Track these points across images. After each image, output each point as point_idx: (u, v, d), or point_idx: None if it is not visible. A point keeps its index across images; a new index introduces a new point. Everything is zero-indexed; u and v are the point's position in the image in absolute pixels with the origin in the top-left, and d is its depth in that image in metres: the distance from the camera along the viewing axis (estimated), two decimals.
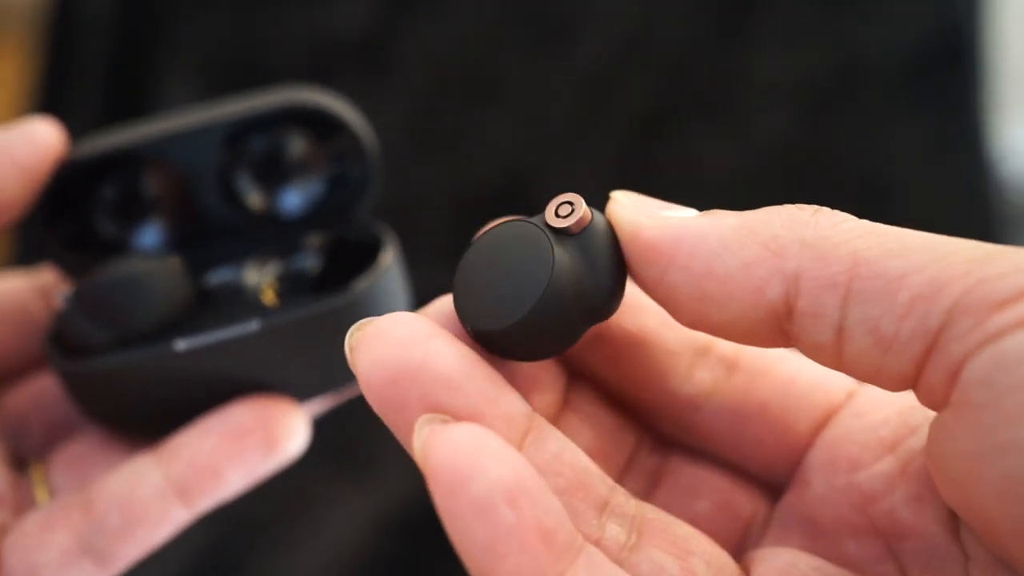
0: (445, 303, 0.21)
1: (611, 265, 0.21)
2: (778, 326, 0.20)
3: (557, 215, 0.21)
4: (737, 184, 0.51)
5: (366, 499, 0.47)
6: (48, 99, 0.55)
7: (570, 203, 0.21)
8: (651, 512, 0.21)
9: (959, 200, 0.53)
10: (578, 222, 0.21)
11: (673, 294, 0.20)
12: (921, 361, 0.18)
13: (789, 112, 0.51)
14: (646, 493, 0.23)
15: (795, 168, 0.51)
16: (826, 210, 0.20)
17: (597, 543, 0.20)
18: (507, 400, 0.20)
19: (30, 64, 0.57)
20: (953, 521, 0.20)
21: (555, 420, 0.22)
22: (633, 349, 0.23)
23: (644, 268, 0.21)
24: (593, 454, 0.22)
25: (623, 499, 0.21)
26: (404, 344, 0.19)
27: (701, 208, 0.22)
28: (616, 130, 0.51)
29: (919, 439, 0.21)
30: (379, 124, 0.32)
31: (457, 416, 0.19)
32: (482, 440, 0.18)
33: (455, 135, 0.52)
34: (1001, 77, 0.57)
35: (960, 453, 0.18)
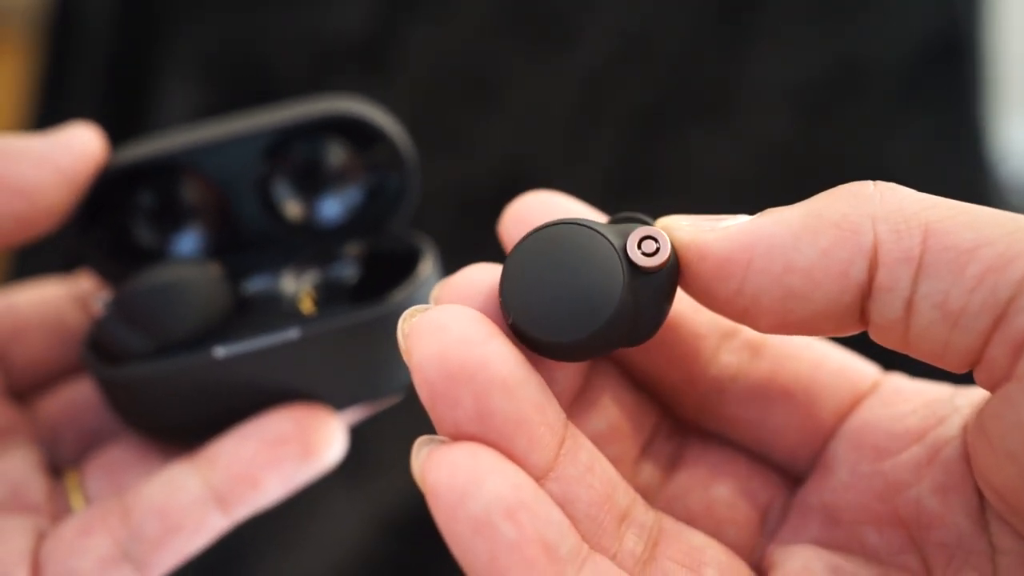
0: (479, 286, 0.21)
1: (668, 301, 0.21)
2: (862, 306, 0.19)
3: (641, 250, 0.20)
4: (737, 184, 0.51)
5: (368, 500, 0.47)
6: (48, 99, 0.55)
7: (655, 240, 0.20)
8: (668, 522, 0.21)
9: (959, 200, 0.52)
10: (661, 264, 0.20)
11: (755, 301, 0.20)
12: (988, 335, 0.18)
13: (789, 112, 0.51)
14: (665, 477, 0.23)
15: (795, 168, 0.51)
16: (883, 183, 0.20)
17: (614, 556, 0.20)
18: (553, 408, 0.20)
19: (30, 64, 0.57)
20: (981, 513, 0.20)
21: (578, 397, 0.22)
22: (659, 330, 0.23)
23: (720, 284, 0.20)
24: (613, 433, 0.22)
25: (642, 510, 0.21)
26: (465, 342, 0.18)
27: (698, 208, 0.22)
28: (616, 130, 0.51)
29: (947, 429, 0.21)
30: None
31: (506, 421, 0.18)
32: (479, 458, 0.18)
33: (455, 135, 0.52)
34: (1001, 77, 0.57)
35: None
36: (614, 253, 0.20)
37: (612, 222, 0.22)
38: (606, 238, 0.20)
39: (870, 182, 0.20)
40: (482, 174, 0.51)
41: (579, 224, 0.20)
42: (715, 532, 0.22)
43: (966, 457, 0.20)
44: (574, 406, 0.22)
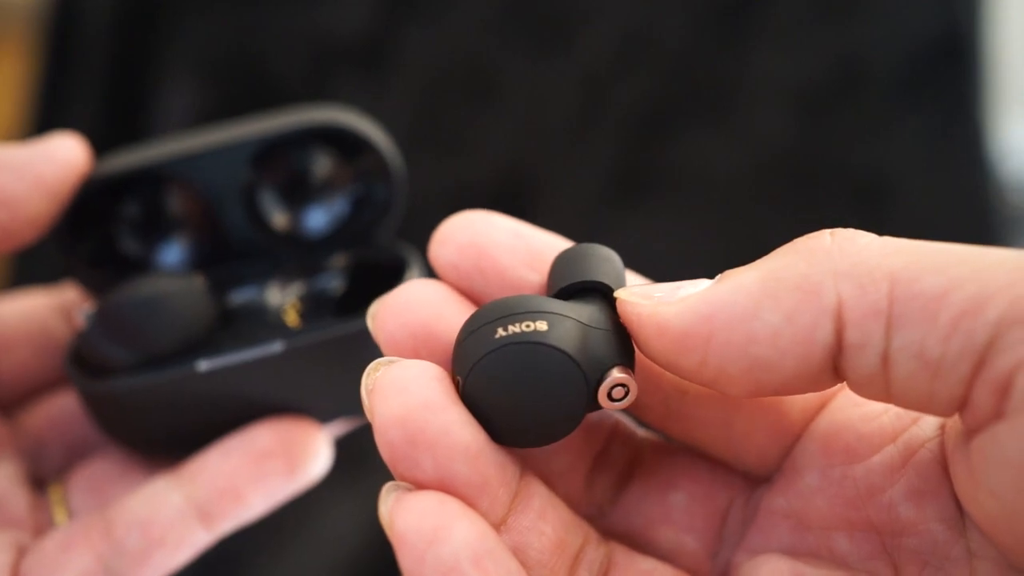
0: (417, 306, 0.21)
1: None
2: (834, 366, 0.19)
3: (611, 398, 0.20)
4: (737, 184, 0.51)
5: (365, 502, 0.47)
6: (48, 99, 0.54)
7: (625, 387, 0.20)
8: (618, 553, 0.22)
9: (959, 200, 0.52)
10: (626, 405, 0.21)
11: (722, 372, 0.19)
12: (971, 381, 0.18)
13: (789, 112, 0.51)
14: (620, 487, 0.23)
15: (795, 168, 0.51)
16: (840, 231, 0.19)
17: None
18: (511, 466, 0.20)
19: (30, 64, 0.57)
20: (958, 518, 0.20)
21: None
22: None
23: (682, 358, 0.20)
24: (565, 443, 0.22)
25: (593, 546, 0.21)
26: (426, 407, 0.19)
27: (699, 208, 0.22)
28: (616, 130, 0.51)
29: (922, 429, 0.21)
30: (378, 124, 0.32)
31: (467, 484, 0.19)
32: (446, 506, 0.18)
33: (455, 135, 0.52)
34: (1001, 77, 0.57)
35: (1014, 463, 0.17)
36: (583, 388, 0.20)
37: (568, 288, 0.21)
38: (577, 367, 0.20)
39: (827, 233, 0.19)
40: (482, 174, 0.51)
41: (548, 346, 0.20)
42: (674, 539, 0.22)
43: (943, 461, 0.20)
44: None
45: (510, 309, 0.20)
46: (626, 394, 0.20)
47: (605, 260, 0.22)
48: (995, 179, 0.54)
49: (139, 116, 0.53)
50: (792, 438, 0.22)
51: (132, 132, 0.52)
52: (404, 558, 0.18)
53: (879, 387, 0.19)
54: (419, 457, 0.19)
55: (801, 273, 0.19)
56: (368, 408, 0.19)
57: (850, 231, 0.19)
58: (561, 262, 0.22)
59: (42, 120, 0.54)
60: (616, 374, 0.20)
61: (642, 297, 0.20)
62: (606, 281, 0.21)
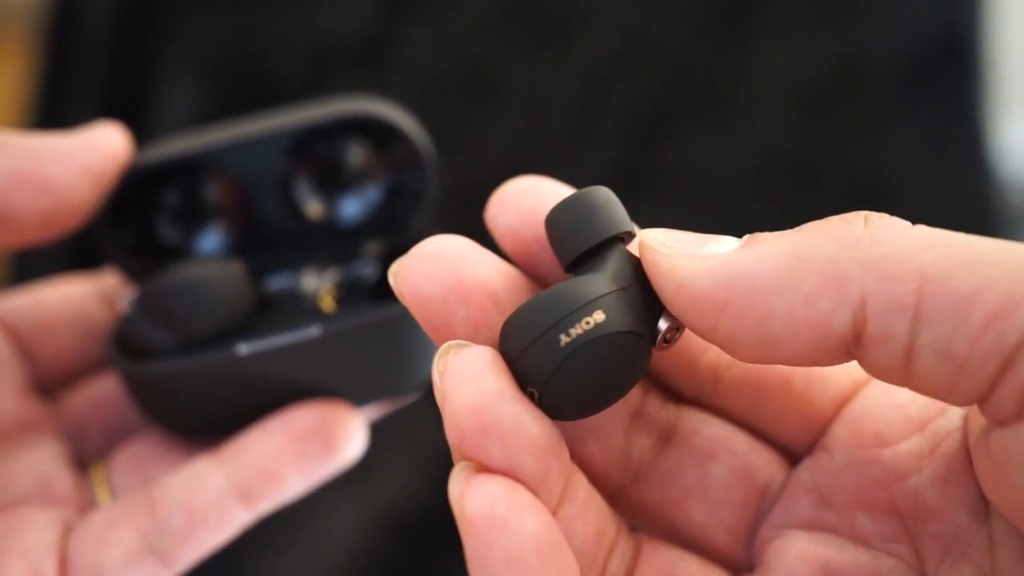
0: (447, 257, 0.21)
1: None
2: (846, 352, 0.19)
3: (666, 341, 0.21)
4: (737, 184, 0.51)
5: (367, 500, 0.47)
6: (48, 99, 0.55)
7: (675, 328, 0.21)
8: (645, 544, 0.22)
9: (959, 200, 0.53)
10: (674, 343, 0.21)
11: (731, 339, 0.19)
12: (995, 379, 0.18)
13: (789, 112, 0.51)
14: (657, 451, 0.23)
15: (795, 168, 0.51)
16: (875, 217, 0.19)
17: None
18: (565, 456, 0.20)
19: (30, 64, 0.57)
20: (982, 505, 0.20)
21: None
22: None
23: (695, 319, 0.20)
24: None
25: (624, 536, 0.22)
26: (501, 396, 0.19)
27: (698, 208, 0.22)
28: (616, 130, 0.51)
29: (948, 420, 0.21)
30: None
31: (528, 473, 0.19)
32: (516, 494, 0.19)
33: (455, 135, 0.52)
34: (1001, 77, 0.57)
35: None
36: (648, 349, 0.21)
37: (587, 252, 0.21)
38: (640, 337, 0.20)
39: (863, 217, 0.19)
40: (482, 174, 0.51)
41: (613, 335, 0.20)
42: (710, 513, 0.22)
43: (967, 449, 0.20)
44: None
45: (559, 310, 0.20)
46: (677, 331, 0.21)
47: (607, 205, 0.22)
48: (995, 179, 0.54)
49: (139, 116, 0.53)
50: (822, 425, 0.22)
51: (132, 131, 0.52)
52: (471, 542, 0.18)
53: (898, 375, 0.19)
54: (489, 446, 0.19)
55: (828, 256, 0.19)
56: (440, 390, 0.19)
57: (885, 217, 0.19)
58: (563, 221, 0.21)
59: (42, 120, 0.54)
60: (664, 323, 0.21)
61: (665, 245, 0.20)
62: (619, 231, 0.21)
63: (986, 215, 0.53)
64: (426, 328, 0.21)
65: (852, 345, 0.19)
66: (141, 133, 0.52)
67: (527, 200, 0.23)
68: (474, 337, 0.21)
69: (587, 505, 0.21)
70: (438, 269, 0.21)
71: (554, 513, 0.20)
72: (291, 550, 0.46)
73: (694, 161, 0.51)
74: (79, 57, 0.54)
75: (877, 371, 0.19)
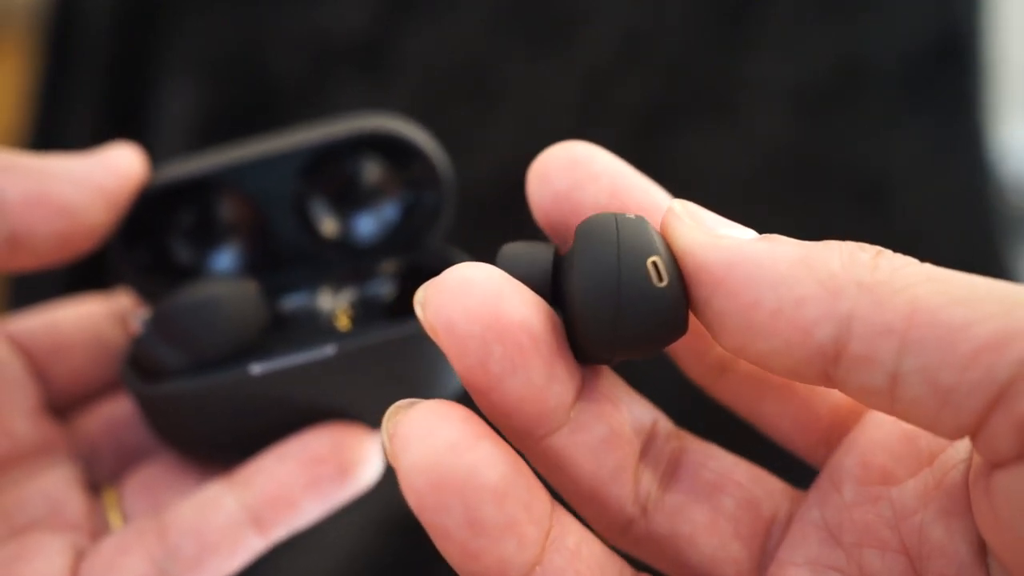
0: (477, 289, 0.20)
1: None
2: (823, 368, 0.19)
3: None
4: (737, 184, 0.51)
5: (367, 500, 0.47)
6: (48, 99, 0.55)
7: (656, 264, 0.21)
8: None
9: (959, 200, 0.52)
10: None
11: (717, 318, 0.20)
12: (983, 414, 0.17)
13: (789, 112, 0.51)
14: (664, 486, 0.23)
15: (795, 168, 0.51)
16: (888, 253, 0.19)
17: None
18: (540, 503, 0.20)
19: (30, 64, 0.57)
20: (981, 542, 0.20)
21: (575, 403, 0.22)
22: None
23: (692, 287, 0.20)
24: (614, 439, 0.22)
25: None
26: (452, 449, 0.19)
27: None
28: (616, 130, 0.51)
29: (957, 451, 0.20)
30: None
31: (495, 527, 0.19)
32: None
33: (455, 135, 0.52)
34: (1001, 77, 0.57)
35: None
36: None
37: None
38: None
39: (872, 247, 0.19)
40: (482, 174, 0.51)
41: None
42: (720, 546, 0.22)
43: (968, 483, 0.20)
44: (575, 411, 0.22)
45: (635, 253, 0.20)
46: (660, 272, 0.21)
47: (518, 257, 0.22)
48: (995, 179, 0.54)
49: (139, 116, 0.53)
50: (820, 432, 0.22)
51: (132, 132, 0.51)
52: None
53: (883, 400, 0.19)
54: (447, 502, 0.18)
55: (831, 271, 0.19)
56: (391, 454, 0.19)
57: (898, 255, 0.19)
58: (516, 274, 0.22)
59: (42, 120, 0.54)
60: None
61: (688, 215, 0.21)
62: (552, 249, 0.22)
63: (986, 215, 0.53)
64: (457, 365, 0.20)
65: (830, 362, 0.19)
66: (141, 133, 0.52)
67: (564, 181, 0.23)
68: (509, 377, 0.20)
69: (578, 554, 0.20)
70: (474, 305, 0.19)
71: (537, 562, 0.19)
72: (292, 553, 0.46)
73: (694, 161, 0.51)
74: (79, 57, 0.54)
75: (860, 394, 0.19)
